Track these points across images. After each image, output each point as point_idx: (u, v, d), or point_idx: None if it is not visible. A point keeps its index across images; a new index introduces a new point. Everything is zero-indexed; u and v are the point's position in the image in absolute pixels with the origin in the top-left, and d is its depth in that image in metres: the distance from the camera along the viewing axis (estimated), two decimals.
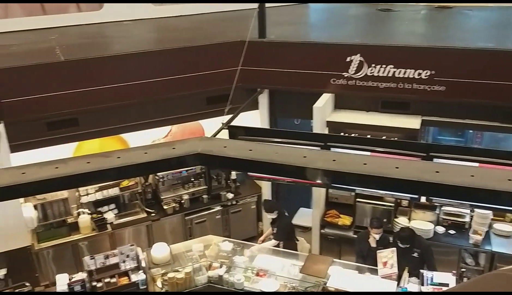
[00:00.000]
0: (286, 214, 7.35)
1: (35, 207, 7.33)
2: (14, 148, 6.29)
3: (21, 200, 6.93)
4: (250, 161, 3.96)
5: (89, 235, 7.69)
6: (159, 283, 6.04)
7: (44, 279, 7.28)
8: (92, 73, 6.67)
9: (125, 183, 8.01)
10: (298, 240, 7.46)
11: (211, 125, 7.27)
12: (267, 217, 7.60)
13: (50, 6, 8.48)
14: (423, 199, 6.72)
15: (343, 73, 7.00)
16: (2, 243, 6.69)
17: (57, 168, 4.28)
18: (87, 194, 7.82)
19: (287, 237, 7.16)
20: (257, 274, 6.20)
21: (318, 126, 7.10)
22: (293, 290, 6.00)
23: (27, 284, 6.29)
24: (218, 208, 8.50)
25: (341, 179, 3.84)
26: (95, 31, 8.51)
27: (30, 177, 4.17)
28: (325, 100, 7.12)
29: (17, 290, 6.26)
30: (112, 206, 8.04)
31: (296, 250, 7.16)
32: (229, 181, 8.68)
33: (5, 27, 8.05)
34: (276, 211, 7.12)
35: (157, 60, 7.08)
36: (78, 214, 7.75)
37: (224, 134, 5.38)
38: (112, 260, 6.29)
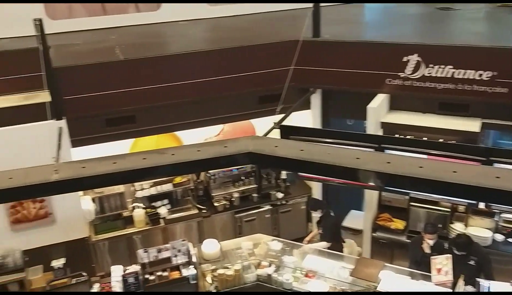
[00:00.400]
0: (332, 214, 7.25)
1: (93, 200, 7.64)
2: (74, 143, 6.58)
3: (80, 193, 7.24)
4: (301, 161, 3.95)
5: (143, 228, 7.91)
6: (209, 278, 6.14)
7: (100, 270, 7.55)
8: (149, 72, 6.86)
9: (178, 179, 8.19)
10: (344, 242, 7.35)
11: (262, 124, 7.31)
12: (313, 216, 7.54)
13: (110, 6, 8.80)
14: (481, 205, 6.45)
15: (399, 74, 6.83)
16: (62, 233, 7.02)
17: (115, 163, 4.44)
18: (142, 189, 8.05)
19: (332, 237, 7.06)
20: (306, 275, 6.17)
21: (372, 127, 6.97)
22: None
23: (84, 274, 6.55)
24: (268, 207, 8.53)
25: (395, 182, 3.75)
26: (152, 31, 8.75)
27: (90, 171, 4.35)
28: (379, 101, 6.98)
29: (74, 280, 6.53)
30: (165, 201, 8.24)
31: (342, 252, 7.06)
32: (279, 181, 8.69)
33: (69, 27, 8.42)
34: (320, 210, 7.05)
35: (211, 59, 7.19)
36: (133, 208, 8.00)
37: (276, 134, 5.39)
38: (165, 254, 6.45)
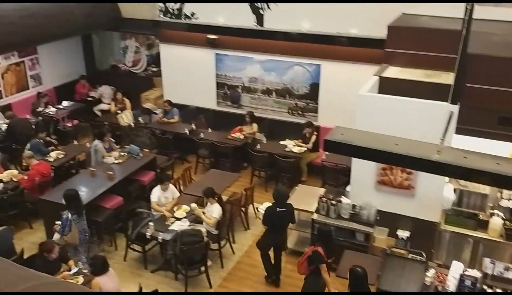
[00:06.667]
0: None
1: (455, 190, 7.54)
2: (459, 130, 6.56)
3: (446, 178, 7.26)
4: None
5: (494, 239, 7.34)
6: None
7: (438, 258, 7.55)
8: None
9: None
10: None
11: None
12: None
13: None
14: None
15: None
16: (415, 209, 7.28)
17: (498, 164, 4.24)
18: (509, 199, 7.43)
19: None
20: None
21: None
22: None
23: (423, 254, 6.69)
24: None
25: None
26: None
27: (471, 163, 4.31)
28: None
29: (410, 255, 6.76)
30: None
31: None
32: None
33: (491, 15, 8.13)
34: None
35: None
36: (492, 214, 7.50)
37: None
38: (511, 274, 5.90)
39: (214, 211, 7.68)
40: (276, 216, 7.27)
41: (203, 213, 7.77)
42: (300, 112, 11.07)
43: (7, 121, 10.84)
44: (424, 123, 6.14)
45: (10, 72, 12.13)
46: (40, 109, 11.94)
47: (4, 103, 11.81)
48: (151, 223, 7.58)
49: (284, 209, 7.29)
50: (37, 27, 10.49)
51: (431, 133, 5.67)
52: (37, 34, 10.63)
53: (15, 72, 12.26)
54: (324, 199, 7.66)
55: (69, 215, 7.05)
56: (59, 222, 7.17)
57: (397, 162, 5.13)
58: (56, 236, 7.28)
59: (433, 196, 7.14)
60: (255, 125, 11.00)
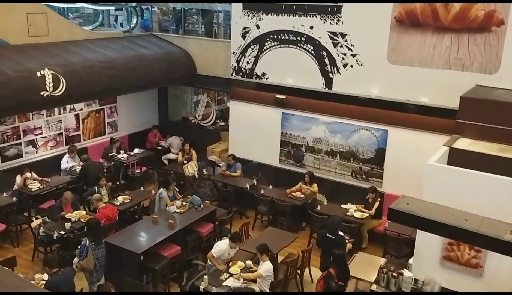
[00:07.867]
0: None
1: None
2: None
3: None
4: None
5: None
6: None
7: None
8: None
9: None
10: None
11: None
12: None
13: None
14: None
15: None
16: (483, 290, 6.80)
17: None
18: None
19: None
20: None
21: None
22: None
23: None
24: None
25: None
26: None
27: None
28: None
29: None
30: None
31: None
32: None
33: None
34: None
35: None
36: None
37: None
38: None
39: (261, 267, 7.57)
40: (325, 241, 7.89)
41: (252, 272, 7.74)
42: (364, 176, 10.89)
43: (81, 163, 11.50)
44: (497, 200, 5.82)
45: (90, 118, 13.02)
46: (112, 154, 12.58)
47: (81, 146, 12.58)
48: (205, 276, 7.57)
49: (334, 237, 7.86)
50: (119, 78, 11.27)
51: (504, 211, 5.37)
52: (118, 84, 11.41)
53: (94, 118, 13.14)
54: (384, 269, 7.34)
55: (87, 242, 7.51)
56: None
57: (465, 239, 4.84)
58: (75, 260, 7.79)
59: (503, 278, 6.63)
60: (315, 186, 10.91)
